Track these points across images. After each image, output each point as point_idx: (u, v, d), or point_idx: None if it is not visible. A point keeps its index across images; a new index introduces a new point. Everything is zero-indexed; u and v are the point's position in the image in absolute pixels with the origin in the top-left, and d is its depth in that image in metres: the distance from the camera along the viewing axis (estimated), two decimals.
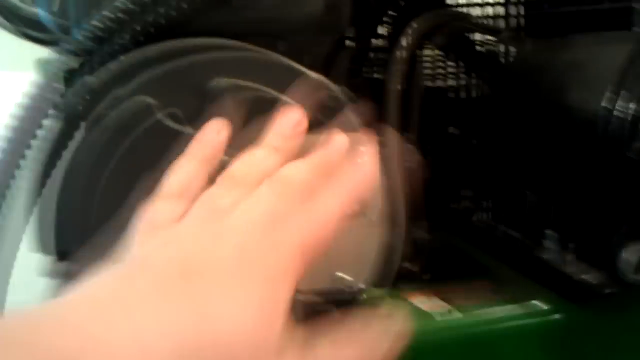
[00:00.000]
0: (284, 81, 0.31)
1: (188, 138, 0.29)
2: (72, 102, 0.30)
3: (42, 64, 0.33)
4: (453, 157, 0.52)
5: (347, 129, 0.30)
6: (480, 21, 0.51)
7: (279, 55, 0.33)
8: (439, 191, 0.52)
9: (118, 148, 0.29)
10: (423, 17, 0.46)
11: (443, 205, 0.52)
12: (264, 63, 0.32)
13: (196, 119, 0.30)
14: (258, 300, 0.23)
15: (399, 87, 0.47)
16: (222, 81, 0.30)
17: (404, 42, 0.46)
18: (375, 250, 0.33)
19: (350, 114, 0.32)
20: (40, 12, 0.33)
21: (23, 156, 0.31)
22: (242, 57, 0.32)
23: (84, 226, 0.29)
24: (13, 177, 0.31)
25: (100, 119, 0.29)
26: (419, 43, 0.48)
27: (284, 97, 0.31)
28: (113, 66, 0.30)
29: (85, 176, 0.30)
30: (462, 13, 0.51)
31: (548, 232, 0.44)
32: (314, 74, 0.32)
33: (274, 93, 0.31)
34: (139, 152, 0.30)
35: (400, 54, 0.46)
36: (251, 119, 0.30)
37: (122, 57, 0.31)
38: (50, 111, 0.30)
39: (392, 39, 0.52)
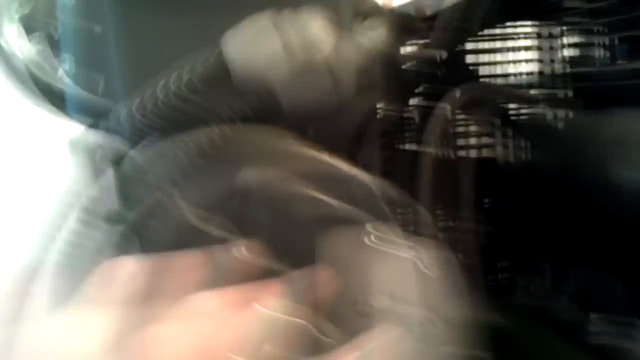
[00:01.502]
0: (331, 184, 0.30)
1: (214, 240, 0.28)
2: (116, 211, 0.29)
3: (76, 145, 0.33)
4: (499, 228, 0.51)
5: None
6: (518, 91, 0.50)
7: (323, 154, 0.32)
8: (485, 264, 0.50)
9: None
10: (462, 89, 0.45)
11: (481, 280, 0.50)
12: (291, 154, 0.31)
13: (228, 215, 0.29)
14: None
15: (436, 158, 0.45)
16: (251, 173, 0.30)
17: (442, 113, 0.46)
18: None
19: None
20: (80, 92, 0.33)
21: None
22: (285, 154, 0.31)
23: None
24: None
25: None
26: (457, 114, 0.47)
27: (323, 197, 0.30)
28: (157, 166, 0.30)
29: None
30: (498, 85, 0.50)
31: (593, 316, 0.42)
32: (364, 177, 0.31)
33: (312, 192, 0.30)
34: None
35: (439, 125, 0.45)
36: (281, 219, 0.29)
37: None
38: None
39: (427, 110, 0.52)
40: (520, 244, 0.51)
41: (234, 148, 0.30)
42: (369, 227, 0.30)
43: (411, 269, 0.31)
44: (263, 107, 0.32)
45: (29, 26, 0.73)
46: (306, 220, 0.30)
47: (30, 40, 0.74)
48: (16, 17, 0.71)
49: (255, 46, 0.29)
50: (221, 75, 0.30)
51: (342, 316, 0.30)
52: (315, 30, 0.30)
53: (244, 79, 0.30)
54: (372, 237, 0.30)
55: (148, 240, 0.28)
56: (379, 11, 0.35)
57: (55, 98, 0.78)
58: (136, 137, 0.30)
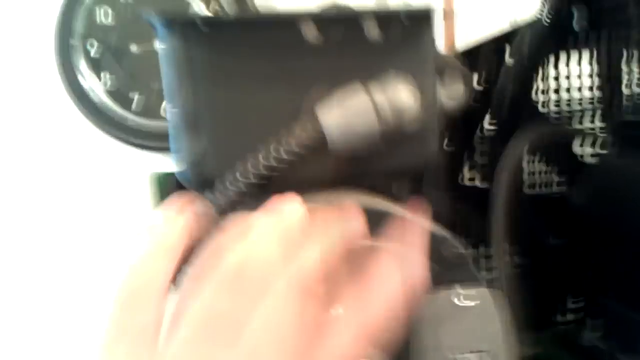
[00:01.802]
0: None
1: None
2: None
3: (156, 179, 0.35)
4: (557, 266, 0.51)
5: None
6: (586, 131, 0.51)
7: (399, 206, 0.33)
8: (541, 304, 0.51)
9: None
10: (532, 130, 0.46)
11: (546, 319, 0.51)
12: (387, 217, 0.32)
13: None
14: None
15: (506, 196, 0.46)
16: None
17: (512, 152, 0.46)
18: None
19: None
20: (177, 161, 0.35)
21: None
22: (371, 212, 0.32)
23: None
24: None
25: None
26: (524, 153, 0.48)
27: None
28: None
29: None
30: (567, 126, 0.51)
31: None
32: (436, 228, 0.32)
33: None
34: None
35: (509, 164, 0.46)
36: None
37: None
38: None
39: (493, 146, 0.53)
40: (579, 281, 0.52)
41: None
42: (458, 288, 0.31)
43: (498, 328, 0.32)
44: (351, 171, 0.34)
45: (99, 63, 0.76)
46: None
47: (101, 77, 0.77)
48: (90, 52, 0.74)
49: (352, 118, 0.31)
50: (316, 143, 0.31)
51: None
52: (404, 99, 0.32)
53: (339, 146, 0.32)
54: (461, 298, 0.32)
55: None
56: (458, 67, 0.36)
57: (129, 131, 0.81)
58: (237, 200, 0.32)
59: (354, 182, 0.35)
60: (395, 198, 0.36)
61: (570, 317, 0.51)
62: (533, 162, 0.54)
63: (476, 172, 0.54)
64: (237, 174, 0.31)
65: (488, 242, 0.50)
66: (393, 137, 0.32)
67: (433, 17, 0.33)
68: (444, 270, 0.32)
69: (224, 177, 0.32)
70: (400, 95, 0.32)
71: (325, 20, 0.32)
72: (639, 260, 0.45)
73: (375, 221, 0.32)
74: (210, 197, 0.31)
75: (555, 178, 0.53)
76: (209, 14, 0.32)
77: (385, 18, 0.33)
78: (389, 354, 0.31)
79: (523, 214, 0.49)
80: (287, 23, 0.33)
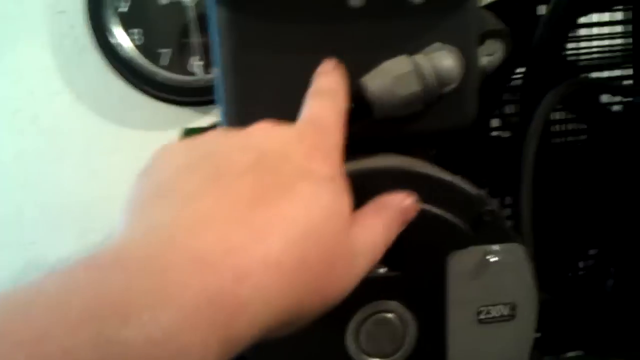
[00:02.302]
0: (446, 197, 0.34)
1: None
2: None
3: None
4: (580, 215, 0.53)
5: None
6: (616, 83, 0.51)
7: (439, 170, 0.35)
8: (559, 254, 0.53)
9: None
10: (565, 83, 0.47)
11: (563, 271, 0.53)
12: (427, 179, 0.34)
13: None
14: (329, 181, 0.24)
15: (536, 149, 0.47)
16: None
17: (543, 106, 0.47)
18: (523, 349, 0.35)
19: None
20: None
21: None
22: (407, 173, 0.34)
23: None
24: None
25: None
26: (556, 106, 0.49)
27: (447, 215, 0.33)
28: None
29: None
30: (597, 79, 0.51)
31: None
32: (472, 190, 0.34)
33: (441, 212, 0.33)
34: None
35: (539, 118, 0.47)
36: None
37: None
38: None
39: (522, 96, 0.53)
40: (602, 229, 0.53)
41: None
42: (494, 247, 0.33)
43: (527, 282, 0.34)
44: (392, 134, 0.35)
45: (127, 19, 0.75)
46: (437, 238, 0.33)
47: (129, 34, 0.76)
48: (118, 11, 0.73)
49: (398, 88, 0.32)
50: (362, 110, 0.33)
51: (464, 326, 0.34)
52: (448, 67, 0.33)
53: (385, 114, 0.33)
54: (493, 253, 0.34)
55: None
56: (500, 32, 0.36)
57: (158, 86, 0.81)
58: None
59: (394, 145, 0.37)
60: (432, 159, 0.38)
61: (591, 263, 0.54)
62: (559, 110, 0.54)
63: (503, 122, 0.55)
64: None
65: (514, 192, 0.51)
66: (434, 100, 0.33)
67: None
68: (477, 227, 0.34)
69: None
70: (443, 61, 0.33)
71: None
72: None
73: (415, 184, 0.34)
74: None
75: (581, 127, 0.54)
76: None
77: None
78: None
79: (548, 163, 0.50)
80: None
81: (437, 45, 0.34)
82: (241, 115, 0.33)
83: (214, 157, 0.23)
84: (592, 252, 0.54)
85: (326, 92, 0.30)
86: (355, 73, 0.33)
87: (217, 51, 0.34)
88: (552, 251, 0.52)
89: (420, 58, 0.33)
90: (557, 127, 0.55)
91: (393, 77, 0.32)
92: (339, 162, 0.26)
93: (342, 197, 0.24)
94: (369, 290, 0.33)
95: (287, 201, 0.22)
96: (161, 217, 0.20)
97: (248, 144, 0.24)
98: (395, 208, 0.29)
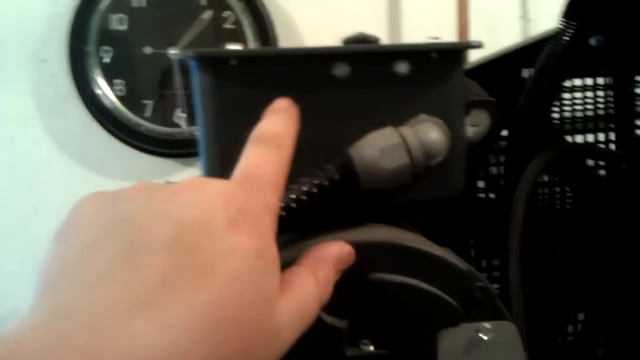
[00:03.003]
0: (436, 272, 0.33)
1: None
2: None
3: None
4: (567, 280, 0.52)
5: None
6: (602, 149, 0.51)
7: (429, 244, 0.34)
8: (547, 319, 0.52)
9: None
10: (552, 148, 0.47)
11: (551, 336, 0.52)
12: (417, 253, 0.33)
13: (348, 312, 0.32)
14: (253, 250, 0.22)
15: (523, 213, 0.47)
16: (381, 277, 0.32)
17: (530, 170, 0.47)
18: None
19: None
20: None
21: None
22: (397, 247, 0.33)
23: None
24: None
25: None
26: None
27: (437, 292, 0.32)
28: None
29: None
30: (582, 144, 0.52)
31: None
32: (463, 265, 0.33)
33: (431, 288, 0.32)
34: None
35: (527, 181, 0.47)
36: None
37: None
38: None
39: (508, 158, 0.53)
40: (590, 295, 0.53)
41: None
42: (486, 325, 0.32)
43: None
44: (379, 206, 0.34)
45: (109, 70, 0.75)
46: (427, 315, 0.32)
47: (112, 85, 0.76)
48: (102, 62, 0.73)
49: (386, 161, 0.31)
50: (349, 181, 0.32)
51: None
52: (434, 140, 0.32)
53: (371, 186, 0.32)
54: (485, 331, 0.33)
55: None
56: (485, 102, 0.36)
57: (141, 138, 0.80)
58: None
59: (381, 215, 0.36)
60: (420, 230, 0.37)
61: (580, 331, 0.53)
62: (545, 175, 0.54)
63: (488, 183, 0.55)
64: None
65: (501, 254, 0.51)
66: (421, 172, 0.33)
67: (463, 54, 0.33)
68: (468, 303, 0.33)
69: None
70: (429, 134, 0.32)
71: (354, 56, 0.33)
72: None
73: (405, 258, 0.33)
74: None
75: (566, 190, 0.54)
76: (240, 48, 0.32)
77: (415, 54, 0.33)
78: None
79: (534, 227, 0.50)
80: (317, 58, 0.33)
81: (422, 116, 0.33)
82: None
83: (129, 227, 0.21)
84: (580, 317, 0.53)
85: (270, 139, 0.27)
86: (340, 143, 0.32)
87: (200, 115, 0.33)
88: (540, 316, 0.51)
89: (406, 130, 0.32)
90: (542, 191, 0.55)
91: (380, 149, 0.32)
92: (269, 228, 0.24)
93: (266, 276, 0.22)
94: None
95: (200, 289, 0.20)
96: (66, 301, 0.19)
97: (169, 211, 0.22)
98: (332, 262, 0.28)
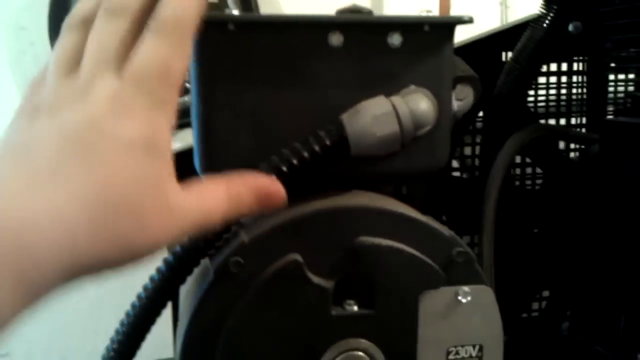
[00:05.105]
0: (419, 237, 0.34)
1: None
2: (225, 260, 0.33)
3: None
4: (536, 257, 0.54)
5: None
6: (576, 132, 0.53)
7: (413, 210, 0.35)
8: (513, 295, 0.54)
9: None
10: (527, 129, 0.49)
11: (517, 311, 0.54)
12: (402, 218, 0.34)
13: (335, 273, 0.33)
14: (142, 141, 0.24)
15: (498, 193, 0.49)
16: (367, 240, 0.33)
17: (506, 150, 0.49)
18: None
19: None
20: None
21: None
22: (382, 212, 0.34)
23: None
24: None
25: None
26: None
27: (420, 255, 0.34)
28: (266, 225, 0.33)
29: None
30: (556, 126, 0.54)
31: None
32: (446, 231, 0.35)
33: (414, 252, 0.34)
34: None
35: (503, 160, 0.48)
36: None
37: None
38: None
39: (483, 139, 0.55)
40: (557, 272, 0.55)
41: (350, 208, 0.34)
42: (465, 288, 0.34)
43: (495, 323, 0.35)
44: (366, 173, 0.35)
45: None
46: (410, 277, 0.34)
47: None
48: None
49: (377, 128, 0.32)
50: (339, 147, 0.33)
51: None
52: (424, 109, 0.33)
53: (361, 153, 0.33)
54: (464, 294, 0.34)
55: None
56: (470, 77, 0.38)
57: None
58: None
59: (368, 184, 0.37)
60: (405, 199, 0.38)
61: (546, 306, 0.55)
62: (517, 156, 0.56)
63: (462, 163, 0.56)
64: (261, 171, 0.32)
65: (473, 231, 0.53)
66: (410, 142, 0.34)
67: (454, 28, 0.35)
68: (449, 267, 0.34)
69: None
70: (419, 104, 0.34)
71: (349, 25, 0.33)
72: (613, 254, 0.48)
73: (390, 222, 0.34)
74: None
75: (538, 171, 0.56)
76: (239, 14, 0.32)
77: (408, 26, 0.34)
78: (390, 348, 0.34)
79: (505, 205, 0.52)
80: (313, 26, 0.33)
81: (412, 87, 0.34)
82: (218, 151, 0.33)
83: (18, 130, 0.25)
84: (545, 294, 0.55)
85: (178, 25, 0.25)
86: (332, 110, 0.33)
87: (194, 80, 0.33)
88: (507, 291, 0.53)
89: (397, 100, 0.33)
90: (513, 171, 0.57)
91: (372, 116, 0.33)
92: (158, 121, 0.24)
93: (155, 162, 0.24)
94: (339, 328, 0.33)
95: (87, 175, 0.23)
96: None
97: (57, 116, 0.24)
98: (252, 188, 0.28)
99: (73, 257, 0.22)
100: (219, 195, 0.27)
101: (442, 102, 0.35)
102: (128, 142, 0.23)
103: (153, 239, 0.24)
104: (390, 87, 0.34)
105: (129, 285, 0.36)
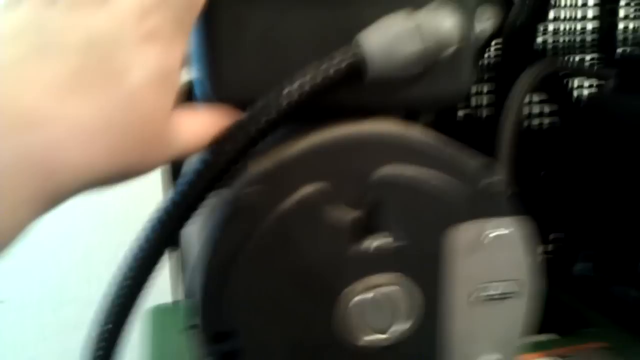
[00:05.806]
0: (447, 167, 0.32)
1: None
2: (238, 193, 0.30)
3: None
4: (547, 198, 0.53)
5: None
6: (586, 67, 0.51)
7: (438, 138, 0.33)
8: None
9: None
10: (540, 64, 0.46)
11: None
12: (428, 146, 0.32)
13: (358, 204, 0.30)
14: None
15: (512, 130, 0.47)
16: (384, 171, 0.31)
17: (519, 87, 0.46)
18: (521, 326, 0.34)
19: None
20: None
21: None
22: (402, 140, 0.32)
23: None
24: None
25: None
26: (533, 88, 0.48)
27: (449, 187, 0.31)
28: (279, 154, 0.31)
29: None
30: (573, 62, 0.51)
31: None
32: (475, 161, 0.32)
33: (441, 182, 0.31)
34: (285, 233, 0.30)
35: (516, 98, 0.46)
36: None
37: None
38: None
39: (497, 73, 0.52)
40: (568, 212, 0.53)
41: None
42: (491, 219, 0.32)
43: (527, 258, 0.33)
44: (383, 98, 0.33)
45: None
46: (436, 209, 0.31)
47: None
48: None
49: (397, 47, 0.29)
50: (355, 69, 0.30)
51: (462, 302, 0.32)
52: (448, 28, 0.30)
53: (379, 75, 0.30)
54: (493, 228, 0.32)
55: None
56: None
57: None
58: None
59: (386, 112, 0.34)
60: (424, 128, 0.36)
61: (555, 247, 0.53)
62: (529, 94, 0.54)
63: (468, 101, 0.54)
64: (270, 99, 0.29)
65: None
66: (431, 65, 0.31)
67: None
68: (480, 199, 0.32)
69: (254, 102, 0.30)
70: (444, 21, 0.31)
71: None
72: (627, 195, 0.47)
73: (416, 151, 0.31)
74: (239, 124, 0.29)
75: (550, 109, 0.54)
76: None
77: None
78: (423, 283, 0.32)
79: (517, 146, 0.50)
80: None
81: (436, 3, 0.31)
82: (228, 74, 0.30)
83: (41, 30, 0.22)
84: (553, 236, 0.54)
85: None
86: (350, 30, 0.30)
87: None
88: None
89: (420, 17, 0.30)
90: (525, 110, 0.54)
91: (393, 34, 0.30)
92: (178, 50, 0.25)
93: (167, 92, 0.24)
94: (365, 262, 0.31)
95: (108, 93, 0.22)
96: None
97: (81, 23, 0.22)
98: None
99: (89, 176, 0.22)
100: (206, 125, 0.28)
101: (467, 20, 0.32)
102: (152, 68, 0.23)
103: (152, 165, 0.25)
104: (413, 3, 0.31)
105: (120, 236, 0.35)
